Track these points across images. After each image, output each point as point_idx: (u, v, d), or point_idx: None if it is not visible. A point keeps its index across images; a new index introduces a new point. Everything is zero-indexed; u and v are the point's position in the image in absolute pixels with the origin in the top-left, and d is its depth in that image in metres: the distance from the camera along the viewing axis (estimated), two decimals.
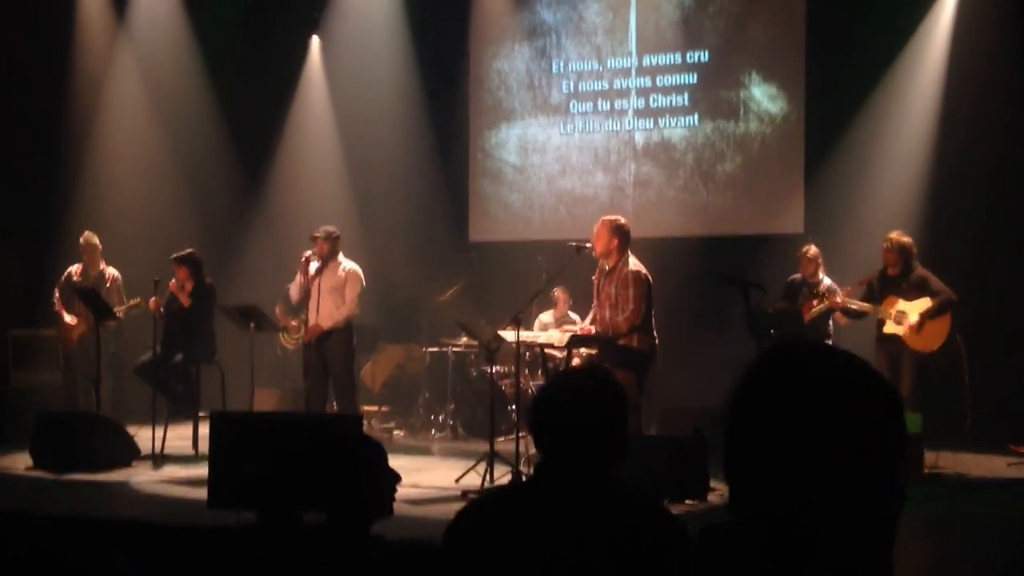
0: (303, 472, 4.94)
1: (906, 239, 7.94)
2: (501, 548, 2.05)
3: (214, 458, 5.23)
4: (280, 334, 10.00)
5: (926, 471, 7.28)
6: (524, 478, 6.64)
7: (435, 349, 10.08)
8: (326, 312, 8.11)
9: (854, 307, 8.00)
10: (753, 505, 1.19)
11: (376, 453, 2.86)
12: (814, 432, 1.15)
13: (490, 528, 2.10)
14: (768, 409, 1.19)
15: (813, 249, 8.54)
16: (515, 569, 2.01)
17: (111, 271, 9.44)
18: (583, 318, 8.23)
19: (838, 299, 7.98)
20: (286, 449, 5.01)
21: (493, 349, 7.11)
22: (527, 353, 8.45)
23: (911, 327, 7.73)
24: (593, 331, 6.94)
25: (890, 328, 7.82)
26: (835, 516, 1.14)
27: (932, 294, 7.76)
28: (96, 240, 9.51)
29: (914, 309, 7.78)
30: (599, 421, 2.14)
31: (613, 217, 7.04)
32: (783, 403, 1.18)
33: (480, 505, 2.24)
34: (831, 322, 8.36)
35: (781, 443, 1.17)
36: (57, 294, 9.54)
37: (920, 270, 7.90)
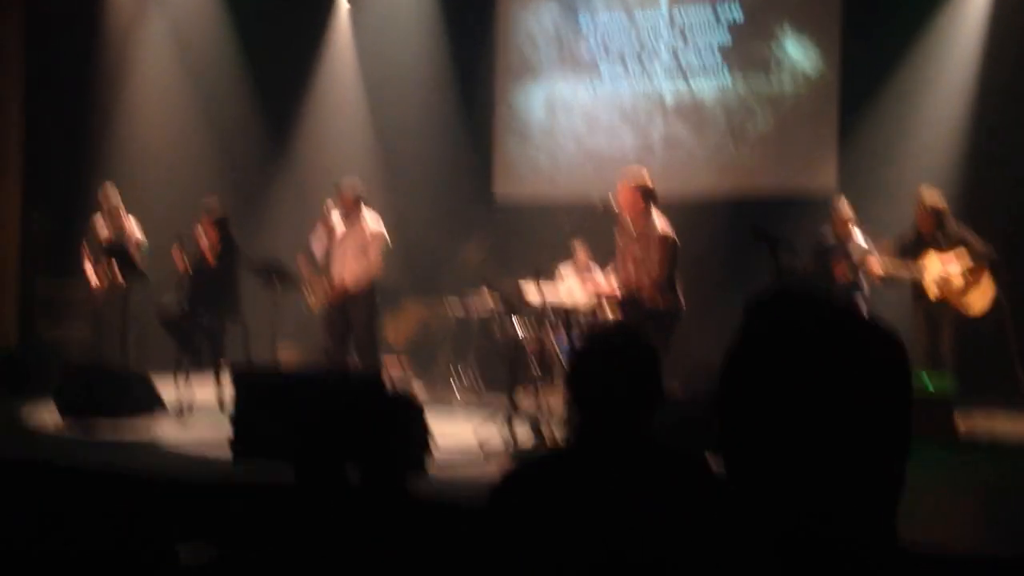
0: (340, 430, 4.94)
1: (935, 195, 7.80)
2: (549, 512, 2.01)
3: (238, 413, 5.22)
4: (306, 291, 10.01)
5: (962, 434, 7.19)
6: (543, 431, 6.61)
7: (459, 310, 10.05)
8: (350, 271, 8.11)
9: (899, 274, 7.84)
10: (753, 477, 1.10)
11: (416, 413, 2.82)
12: (813, 392, 1.06)
13: (537, 492, 2.06)
14: (761, 373, 1.11)
15: (844, 207, 8.42)
16: (564, 532, 1.97)
17: (138, 234, 9.43)
18: (603, 269, 8.19)
19: (878, 270, 7.81)
20: (312, 405, 5.01)
21: (516, 305, 7.06)
22: (551, 312, 8.40)
23: (956, 289, 7.61)
24: (615, 291, 6.87)
25: (931, 287, 7.71)
26: (840, 477, 1.06)
27: (970, 250, 7.62)
28: (114, 195, 9.51)
29: (954, 268, 7.65)
30: (637, 378, 2.15)
31: (635, 179, 6.91)
32: (777, 366, 1.09)
33: (525, 469, 2.20)
34: (863, 280, 8.24)
35: (778, 410, 1.08)
36: (86, 248, 9.57)
37: (954, 224, 7.77)
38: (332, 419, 5.07)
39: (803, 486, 1.06)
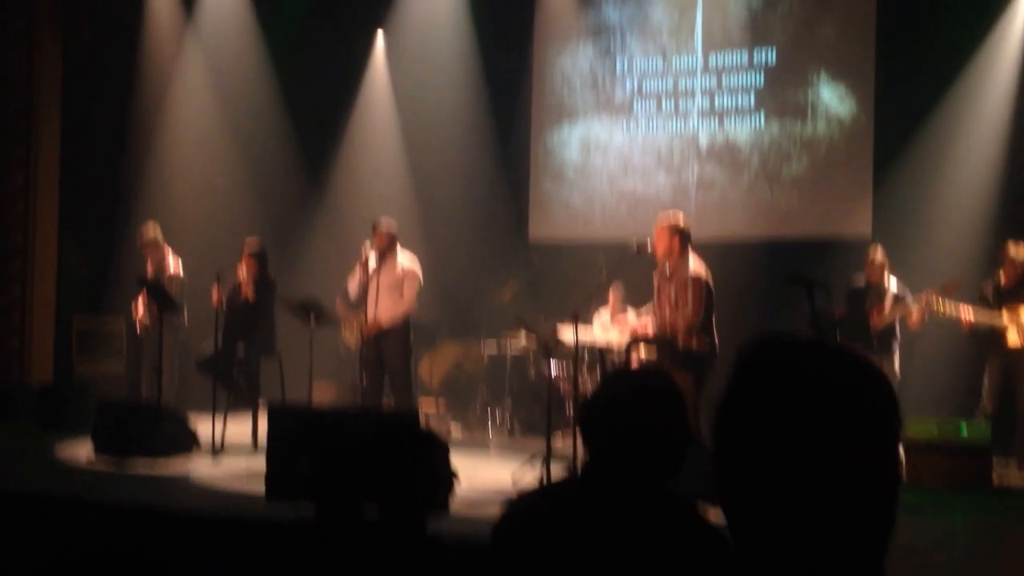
0: (360, 466, 4.94)
1: (1022, 250, 7.77)
2: (544, 548, 2.01)
3: (272, 451, 5.24)
4: (343, 331, 10.05)
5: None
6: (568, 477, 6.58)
7: (494, 350, 10.06)
8: (384, 308, 8.12)
9: (987, 322, 7.76)
10: (753, 529, 1.10)
11: (440, 451, 2.81)
12: (808, 440, 1.06)
13: (533, 527, 2.06)
14: (749, 420, 1.10)
15: (880, 253, 8.36)
16: (558, 569, 1.98)
17: (172, 270, 9.47)
18: (637, 312, 8.17)
19: (971, 318, 7.73)
20: (344, 443, 5.01)
21: (552, 347, 7.06)
22: (585, 353, 8.39)
23: None
24: (651, 332, 6.86)
25: (1013, 338, 7.64)
26: (833, 525, 1.06)
27: None
28: (155, 236, 9.57)
29: None
30: (652, 425, 2.07)
31: (671, 219, 6.94)
32: (764, 411, 1.09)
33: (524, 504, 2.20)
34: (898, 327, 8.18)
35: (768, 454, 1.08)
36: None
37: None
38: (352, 457, 5.08)
39: (797, 531, 1.07)
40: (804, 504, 1.06)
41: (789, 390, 1.09)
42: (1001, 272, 7.82)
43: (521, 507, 2.17)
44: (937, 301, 7.74)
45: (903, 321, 8.11)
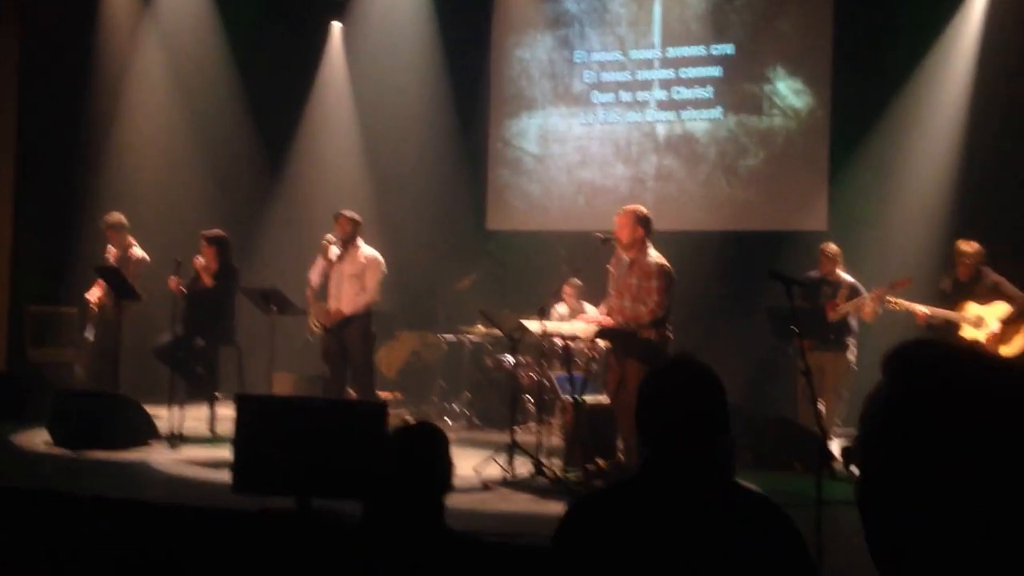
0: (334, 459, 4.94)
1: (976, 246, 7.92)
2: (618, 548, 2.01)
3: (240, 442, 5.20)
4: (311, 318, 10.00)
5: None
6: (545, 470, 6.63)
7: (451, 338, 10.08)
8: (347, 298, 8.11)
9: (942, 316, 7.90)
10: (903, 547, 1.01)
11: (443, 442, 2.83)
12: (973, 456, 0.98)
13: (605, 528, 2.06)
14: (917, 427, 1.01)
15: (833, 247, 8.49)
16: (634, 567, 1.98)
17: (137, 252, 9.35)
18: (595, 306, 8.21)
19: (926, 311, 7.86)
20: (316, 435, 5.01)
21: (516, 339, 7.08)
22: (546, 344, 8.43)
23: (992, 335, 7.72)
24: (614, 323, 6.89)
25: (969, 333, 7.80)
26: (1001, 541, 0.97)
27: (1008, 298, 7.77)
28: (121, 219, 9.42)
29: (991, 315, 7.78)
30: (712, 415, 2.12)
31: (635, 207, 6.97)
32: (934, 420, 1.00)
33: (592, 504, 2.20)
34: (854, 321, 8.32)
35: (935, 472, 0.99)
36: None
37: (992, 275, 7.88)
38: (322, 446, 5.08)
39: (955, 549, 0.98)
40: (959, 518, 0.98)
41: (946, 396, 1.01)
42: (957, 268, 7.99)
43: (589, 507, 2.17)
44: (888, 297, 7.89)
45: (858, 314, 8.25)
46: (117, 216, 9.39)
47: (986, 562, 0.98)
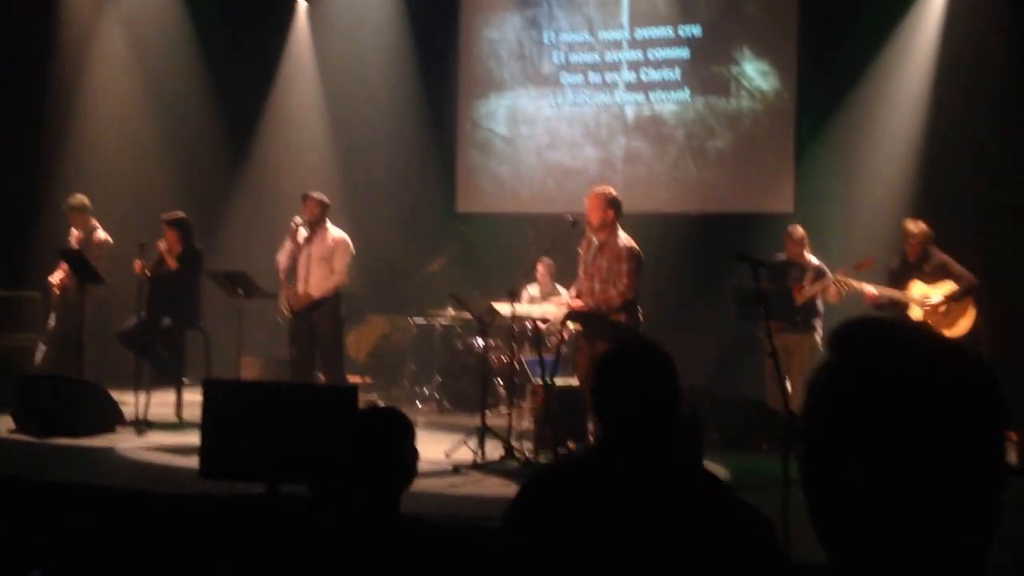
0: (304, 443, 4.92)
1: (923, 226, 7.97)
2: (567, 525, 2.05)
3: (208, 427, 5.16)
4: (281, 301, 9.91)
5: None
6: (515, 453, 6.63)
7: (422, 321, 10.05)
8: (315, 281, 8.05)
9: (889, 296, 7.95)
10: (842, 519, 1.03)
11: (407, 428, 2.81)
12: (909, 427, 0.99)
13: (555, 505, 2.10)
14: (853, 405, 1.02)
15: (799, 230, 8.54)
16: (586, 543, 2.00)
17: (100, 235, 9.22)
18: (567, 289, 8.22)
19: (874, 291, 7.91)
20: (285, 420, 4.98)
21: (487, 322, 7.07)
22: (516, 327, 8.43)
23: (939, 314, 7.77)
24: (584, 306, 6.90)
25: (915, 312, 7.86)
26: (937, 515, 0.99)
27: (954, 278, 7.82)
28: (83, 201, 9.27)
29: (937, 294, 7.84)
30: (666, 390, 2.18)
31: (605, 189, 6.97)
32: (871, 397, 1.01)
33: (544, 481, 2.23)
34: (820, 302, 8.38)
35: (871, 444, 1.00)
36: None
37: (939, 255, 7.93)
38: (293, 431, 5.05)
39: (891, 522, 1.00)
40: (901, 494, 0.99)
41: (890, 375, 1.01)
42: (906, 248, 8.04)
43: (541, 485, 2.20)
44: (845, 278, 7.95)
45: (823, 296, 8.31)
46: (80, 198, 9.25)
47: (925, 538, 1.00)
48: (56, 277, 9.19)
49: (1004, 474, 1.03)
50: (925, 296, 7.85)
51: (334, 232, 8.21)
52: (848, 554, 1.03)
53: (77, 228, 9.22)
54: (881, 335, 1.06)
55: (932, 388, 1.00)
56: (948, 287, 7.82)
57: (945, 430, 0.99)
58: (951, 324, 7.79)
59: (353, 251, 8.25)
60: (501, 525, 2.14)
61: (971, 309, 7.86)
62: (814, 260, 8.42)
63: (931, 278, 7.89)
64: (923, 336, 1.06)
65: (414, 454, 2.77)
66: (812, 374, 1.09)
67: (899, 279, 8.02)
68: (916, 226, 8.00)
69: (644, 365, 2.20)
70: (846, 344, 1.06)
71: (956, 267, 7.88)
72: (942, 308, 7.80)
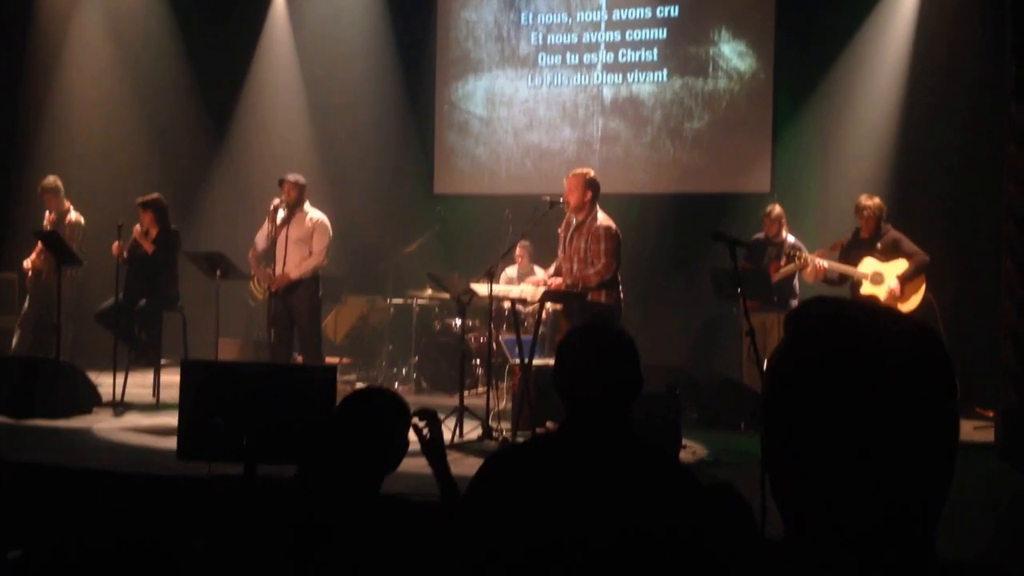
0: (282, 424, 4.92)
1: (877, 201, 8.00)
2: (531, 497, 2.08)
3: (185, 408, 5.16)
4: (251, 283, 9.88)
5: None
6: (493, 433, 6.66)
7: (399, 301, 10.05)
8: (293, 262, 8.03)
9: (839, 271, 8.01)
10: (801, 488, 1.07)
11: (404, 411, 2.83)
12: (863, 399, 1.02)
13: (520, 478, 2.14)
14: (810, 378, 1.05)
15: (777, 209, 8.60)
16: (544, 518, 2.04)
17: (72, 216, 9.16)
18: (544, 271, 8.24)
19: (824, 264, 7.96)
20: (264, 400, 4.98)
21: (465, 303, 7.09)
22: (494, 307, 8.45)
23: (891, 291, 7.80)
24: (563, 285, 6.93)
25: (867, 289, 7.88)
26: (887, 485, 1.03)
27: (906, 255, 7.84)
28: (56, 182, 9.21)
29: (890, 271, 7.85)
30: (625, 373, 2.21)
31: (584, 170, 7.01)
32: (826, 370, 1.04)
33: (510, 454, 2.27)
34: (796, 281, 8.44)
35: (828, 416, 1.03)
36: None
37: (892, 232, 7.96)
38: (271, 412, 5.06)
39: (848, 491, 1.04)
40: (856, 464, 1.02)
41: (844, 348, 1.05)
42: (860, 223, 8.07)
43: (506, 456, 2.27)
44: (795, 253, 8.00)
45: (800, 275, 8.37)
46: (52, 179, 9.19)
47: (878, 506, 1.03)
48: (28, 260, 9.14)
49: (954, 445, 1.07)
50: (877, 273, 7.87)
51: (313, 213, 8.19)
52: (807, 524, 1.07)
53: (50, 209, 9.18)
54: (831, 312, 1.09)
55: (880, 361, 1.03)
56: (900, 265, 7.85)
57: (897, 403, 1.03)
58: (903, 299, 7.82)
59: (331, 232, 8.23)
60: (464, 496, 2.19)
61: (922, 286, 7.89)
62: (790, 238, 8.48)
63: (883, 255, 7.90)
64: (872, 312, 1.09)
65: (405, 446, 2.80)
66: (772, 354, 1.13)
67: (851, 255, 8.04)
68: (870, 200, 8.01)
69: (603, 347, 2.24)
70: (799, 323, 1.10)
71: (908, 244, 7.89)
72: (895, 285, 7.83)
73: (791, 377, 1.08)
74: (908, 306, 7.80)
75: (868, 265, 7.92)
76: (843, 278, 8.02)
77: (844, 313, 1.09)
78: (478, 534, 2.12)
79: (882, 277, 7.85)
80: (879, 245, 7.92)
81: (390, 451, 2.74)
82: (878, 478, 1.03)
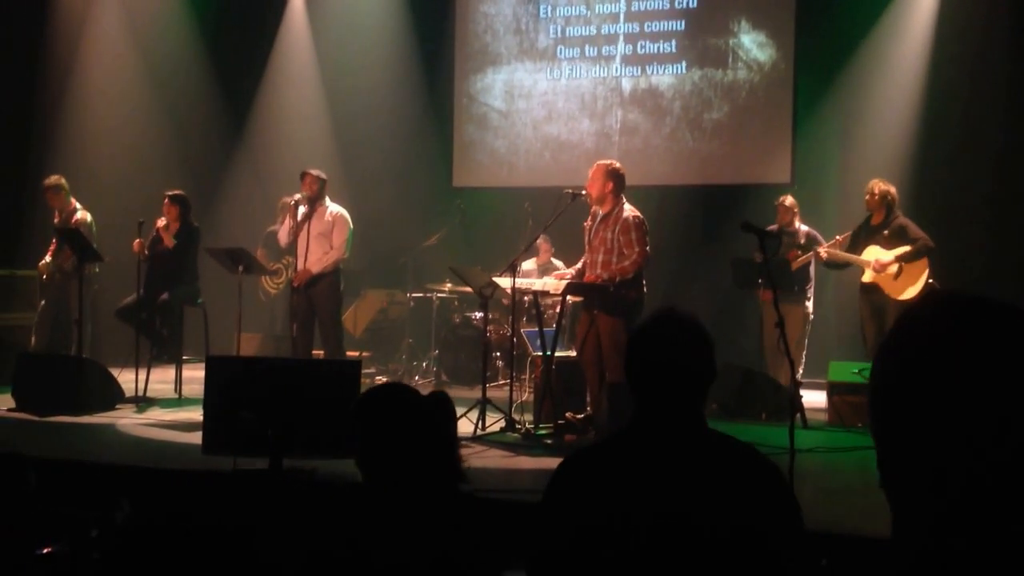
0: (307, 418, 4.92)
1: (888, 186, 7.94)
2: (610, 499, 2.02)
3: (210, 403, 5.17)
4: (264, 278, 9.90)
5: None
6: (516, 425, 6.65)
7: (419, 295, 10.05)
8: (315, 257, 8.04)
9: (842, 259, 8.01)
10: (911, 479, 1.07)
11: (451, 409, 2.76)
12: (980, 388, 1.04)
13: (598, 479, 2.08)
14: (923, 368, 1.07)
15: (790, 199, 8.58)
16: (626, 520, 1.99)
17: (79, 214, 9.13)
18: (566, 264, 8.20)
19: (823, 253, 7.98)
20: (288, 395, 4.98)
21: (487, 296, 7.06)
22: (515, 300, 8.42)
23: (889, 273, 7.75)
24: (595, 277, 6.84)
25: (869, 276, 7.85)
26: (998, 481, 1.03)
27: (910, 241, 7.78)
28: (57, 181, 9.16)
29: (889, 255, 7.81)
30: (702, 365, 2.13)
31: (607, 161, 6.94)
32: (942, 359, 1.06)
33: (583, 457, 2.21)
34: (812, 269, 8.42)
35: (939, 407, 1.05)
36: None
37: (901, 218, 7.91)
38: (296, 407, 5.05)
39: (964, 484, 1.04)
40: (966, 456, 1.03)
41: (960, 342, 1.06)
42: (869, 209, 8.02)
43: (580, 461, 2.17)
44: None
45: (816, 260, 8.35)
46: (54, 178, 9.08)
47: (992, 502, 1.03)
48: (44, 259, 9.16)
49: None
50: (878, 259, 7.82)
51: (333, 208, 8.19)
52: (920, 517, 1.08)
53: (56, 208, 9.11)
54: (948, 309, 1.10)
55: (997, 357, 1.04)
56: (902, 251, 7.80)
57: (1005, 397, 1.03)
58: (904, 285, 7.76)
59: (352, 226, 8.23)
60: (543, 499, 2.12)
61: (924, 271, 7.81)
62: (803, 228, 8.46)
63: (888, 242, 7.84)
64: (991, 308, 1.09)
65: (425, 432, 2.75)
66: (883, 339, 1.15)
67: (858, 241, 8.00)
68: (877, 186, 7.96)
69: (679, 335, 2.15)
70: (913, 318, 1.12)
71: (915, 230, 7.84)
72: (892, 269, 7.76)
73: (905, 370, 1.09)
74: (910, 292, 7.74)
75: (870, 252, 7.88)
76: (845, 264, 8.01)
77: (963, 309, 1.10)
78: (562, 540, 2.06)
79: (882, 264, 7.79)
80: (886, 232, 7.86)
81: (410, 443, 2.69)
82: (988, 469, 1.03)
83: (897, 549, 1.08)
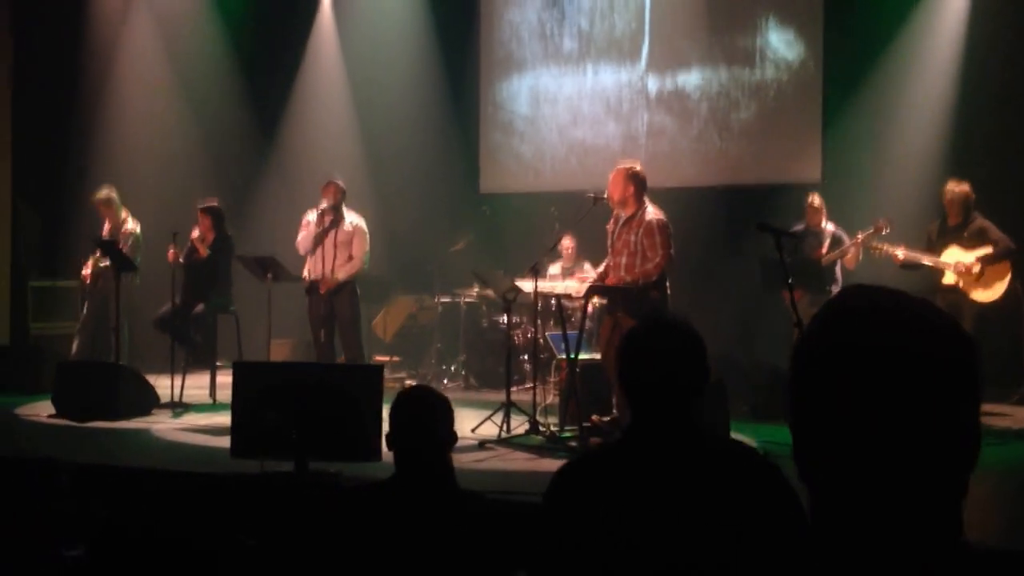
0: (331, 422, 5.02)
1: (964, 187, 7.82)
2: (604, 508, 2.03)
3: (237, 407, 5.28)
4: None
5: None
6: (541, 428, 6.70)
7: (447, 299, 10.14)
8: (338, 265, 8.22)
9: (924, 261, 7.84)
10: (828, 470, 1.09)
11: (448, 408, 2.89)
12: (891, 385, 1.05)
13: (594, 488, 2.08)
14: (839, 362, 1.08)
15: (818, 198, 8.55)
16: (624, 528, 2.00)
17: (129, 226, 9.34)
18: (594, 267, 8.24)
19: (900, 255, 7.87)
20: (313, 399, 5.08)
21: (510, 299, 7.13)
22: (540, 303, 8.48)
23: (972, 275, 7.67)
24: (618, 280, 6.87)
25: (951, 278, 7.76)
26: (909, 475, 1.06)
27: (992, 243, 7.68)
28: (108, 194, 9.39)
29: (972, 257, 7.71)
30: (691, 372, 2.14)
31: (628, 164, 6.94)
32: (856, 355, 1.07)
33: (579, 466, 2.22)
34: (839, 269, 8.40)
35: (855, 400, 1.06)
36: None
37: (980, 220, 7.78)
38: (320, 410, 5.15)
39: (874, 474, 1.06)
40: (882, 448, 1.05)
41: (870, 340, 1.07)
42: (946, 210, 7.95)
43: (576, 470, 2.19)
44: (874, 244, 7.91)
45: (842, 261, 8.33)
46: (104, 192, 9.33)
47: (903, 496, 1.06)
48: (86, 269, 9.37)
49: (974, 442, 1.08)
50: (959, 262, 7.74)
51: (351, 218, 8.38)
52: (834, 507, 1.10)
53: (107, 220, 9.36)
54: (868, 305, 1.11)
55: (907, 359, 1.06)
56: (983, 252, 7.73)
57: (916, 400, 1.05)
58: (986, 287, 7.69)
59: (368, 236, 8.40)
60: (541, 507, 2.13)
61: (1008, 274, 7.75)
62: (830, 227, 8.44)
63: (969, 243, 7.73)
64: (911, 309, 1.10)
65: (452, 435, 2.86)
66: (799, 339, 1.17)
67: (936, 243, 7.88)
68: (957, 186, 7.83)
69: (670, 343, 2.16)
70: (833, 311, 1.13)
71: (995, 232, 7.72)
72: (976, 270, 7.69)
73: (817, 363, 1.11)
74: (992, 294, 7.65)
75: (950, 254, 7.77)
76: (921, 267, 7.85)
77: (877, 305, 1.11)
78: (559, 547, 2.07)
79: (963, 266, 7.70)
80: (966, 233, 7.78)
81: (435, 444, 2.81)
82: (899, 467, 1.05)
83: (816, 539, 1.11)
